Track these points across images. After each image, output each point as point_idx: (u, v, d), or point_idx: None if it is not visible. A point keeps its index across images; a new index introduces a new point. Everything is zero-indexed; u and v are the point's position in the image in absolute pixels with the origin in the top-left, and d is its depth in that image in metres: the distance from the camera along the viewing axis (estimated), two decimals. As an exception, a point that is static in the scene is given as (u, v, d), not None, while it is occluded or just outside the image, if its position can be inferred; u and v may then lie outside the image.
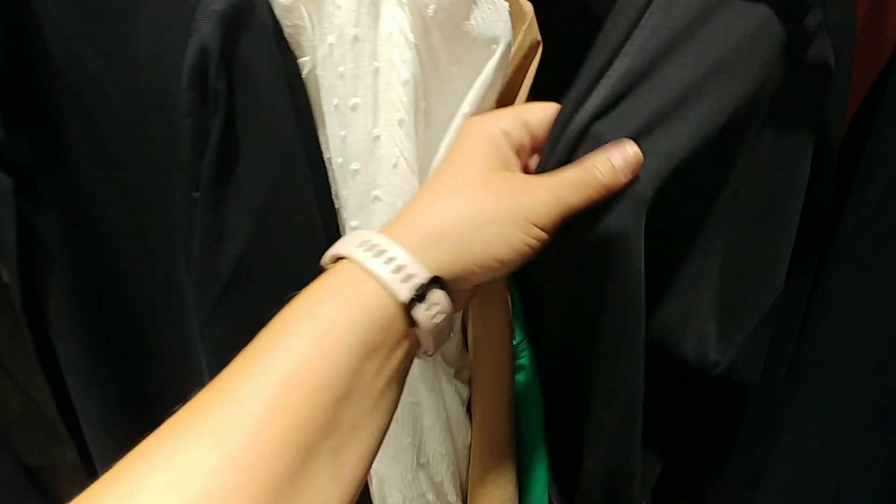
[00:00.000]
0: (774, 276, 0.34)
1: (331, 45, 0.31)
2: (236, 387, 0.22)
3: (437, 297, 0.26)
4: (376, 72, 0.30)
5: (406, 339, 0.26)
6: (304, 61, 0.33)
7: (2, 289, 0.41)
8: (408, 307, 0.25)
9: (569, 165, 0.29)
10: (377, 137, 0.31)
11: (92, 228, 0.38)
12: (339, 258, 0.26)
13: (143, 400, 0.42)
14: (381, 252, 0.25)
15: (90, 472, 0.49)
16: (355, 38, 0.30)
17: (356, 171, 0.32)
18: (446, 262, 0.27)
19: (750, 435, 0.41)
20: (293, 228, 0.34)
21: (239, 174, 0.32)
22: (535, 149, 0.32)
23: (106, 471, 0.20)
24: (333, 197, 0.36)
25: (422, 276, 0.26)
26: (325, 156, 0.35)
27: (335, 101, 0.33)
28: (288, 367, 0.23)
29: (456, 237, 0.27)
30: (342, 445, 0.23)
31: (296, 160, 0.33)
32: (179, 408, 0.22)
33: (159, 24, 0.30)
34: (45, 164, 0.35)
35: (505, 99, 0.34)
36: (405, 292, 0.25)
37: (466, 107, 0.31)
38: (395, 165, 0.31)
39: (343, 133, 0.32)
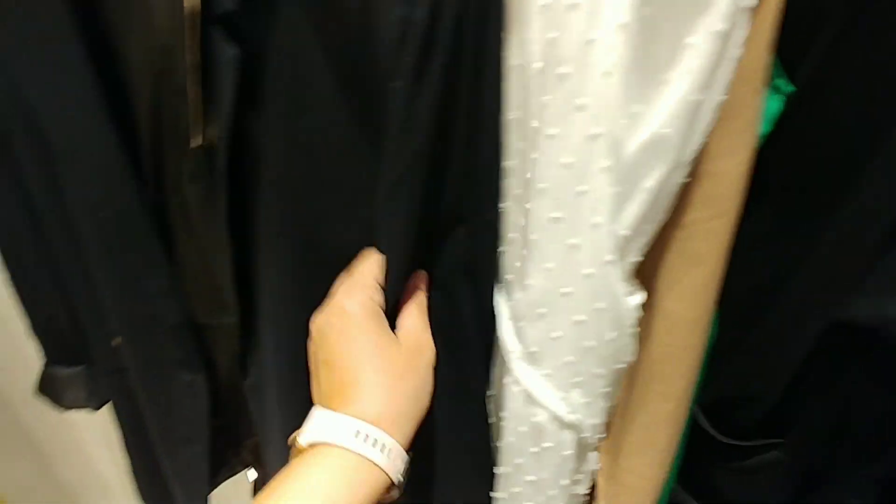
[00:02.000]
0: None
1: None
2: None
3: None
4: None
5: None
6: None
7: (201, 155, 0.45)
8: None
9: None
10: (591, 41, 0.30)
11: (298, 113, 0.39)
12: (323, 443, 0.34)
13: (316, 273, 0.45)
14: (376, 442, 0.34)
15: (246, 335, 0.55)
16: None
17: (563, 76, 0.31)
18: (410, 432, 0.37)
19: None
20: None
21: (431, 72, 0.32)
22: None
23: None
24: (515, 108, 0.36)
25: (403, 456, 0.36)
26: (513, 62, 0.35)
27: (544, 2, 0.32)
28: None
29: (409, 411, 0.37)
30: None
31: (499, 67, 0.33)
32: None
33: None
34: (265, 43, 0.36)
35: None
36: (397, 474, 0.35)
37: (719, 23, 0.29)
38: (609, 74, 0.30)
39: (553, 35, 0.31)
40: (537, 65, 0.33)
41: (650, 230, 0.35)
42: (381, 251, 0.39)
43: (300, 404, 0.48)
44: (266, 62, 0.37)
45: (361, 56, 0.34)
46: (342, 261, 0.43)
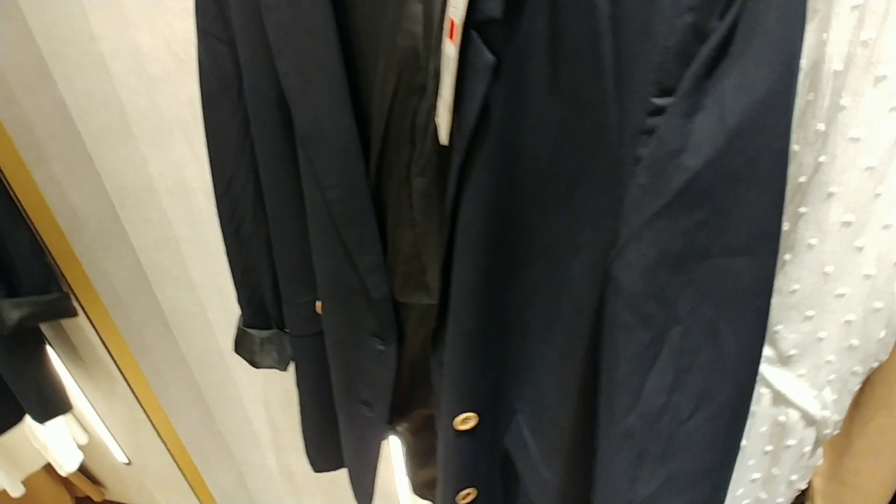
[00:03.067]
0: None
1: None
2: None
3: None
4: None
5: None
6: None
7: (432, 152, 0.48)
8: None
9: None
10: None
11: (526, 116, 0.40)
12: None
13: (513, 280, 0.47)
14: None
15: (441, 316, 0.58)
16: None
17: (882, 78, 0.31)
18: None
19: None
20: (764, 157, 0.31)
21: (724, 82, 0.30)
22: None
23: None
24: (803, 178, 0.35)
25: None
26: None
27: (856, 2, 0.31)
28: None
29: None
30: None
31: (790, 72, 0.30)
32: None
33: None
34: (522, 50, 0.37)
35: None
36: None
37: None
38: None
39: (868, 37, 0.31)
40: (838, 67, 0.32)
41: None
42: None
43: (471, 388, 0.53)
44: (520, 69, 0.38)
45: (630, 70, 0.33)
46: (540, 264, 0.44)
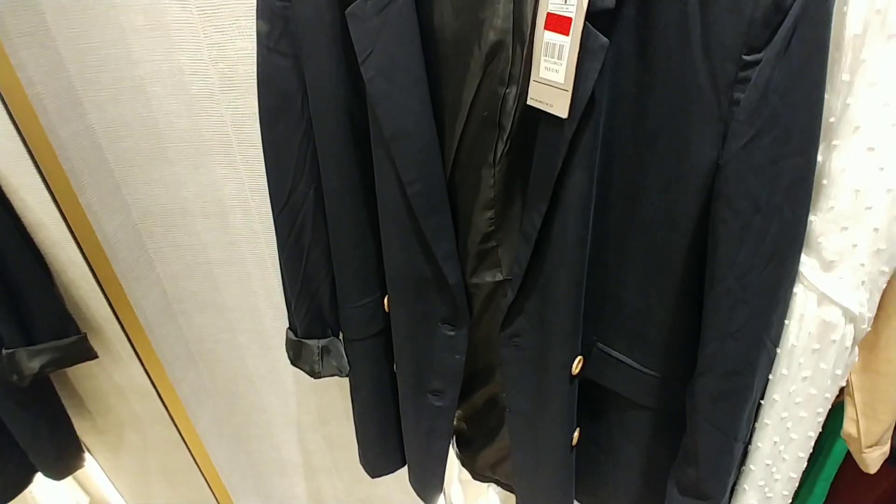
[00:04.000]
0: None
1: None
2: None
3: None
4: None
5: None
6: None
7: (506, 136, 0.56)
8: None
9: None
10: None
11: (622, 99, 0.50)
12: None
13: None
14: None
15: (523, 289, 0.65)
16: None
17: (893, 37, 0.42)
18: None
19: None
20: (811, 89, 0.44)
21: (793, 42, 0.42)
22: None
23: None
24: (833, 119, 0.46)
25: None
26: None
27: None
28: None
29: None
30: None
31: (830, 34, 0.43)
32: None
33: None
34: (616, 36, 0.47)
35: None
36: None
37: None
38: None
39: (881, 6, 0.42)
40: (857, 31, 0.44)
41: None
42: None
43: (576, 336, 0.60)
44: (617, 48, 0.48)
45: (720, 37, 0.44)
46: (634, 202, 0.55)
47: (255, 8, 0.60)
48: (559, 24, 0.47)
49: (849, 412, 0.63)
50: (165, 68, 0.72)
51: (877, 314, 0.54)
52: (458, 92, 0.57)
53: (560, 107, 0.49)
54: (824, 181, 0.49)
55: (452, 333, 0.69)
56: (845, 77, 0.45)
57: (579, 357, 0.62)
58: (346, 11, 0.54)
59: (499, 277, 0.66)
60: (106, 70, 0.71)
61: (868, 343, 0.56)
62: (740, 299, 0.51)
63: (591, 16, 0.45)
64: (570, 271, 0.57)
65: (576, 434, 0.67)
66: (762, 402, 0.58)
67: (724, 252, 0.49)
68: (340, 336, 0.79)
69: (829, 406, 0.58)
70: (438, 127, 0.58)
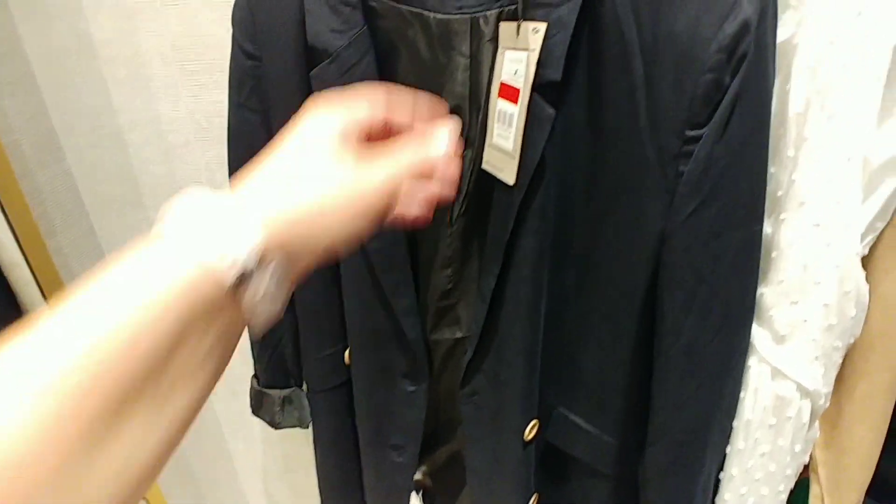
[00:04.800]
0: None
1: (821, 17, 0.42)
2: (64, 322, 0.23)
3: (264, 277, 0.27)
4: (867, 39, 0.41)
5: (230, 311, 0.27)
6: (783, 31, 0.44)
7: (462, 197, 0.56)
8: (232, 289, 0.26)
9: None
10: (854, 92, 0.42)
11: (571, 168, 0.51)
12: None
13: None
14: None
15: (480, 346, 0.64)
16: (859, 13, 0.40)
17: (831, 117, 0.43)
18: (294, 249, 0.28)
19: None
20: (755, 164, 0.45)
21: (733, 119, 0.42)
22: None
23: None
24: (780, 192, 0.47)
25: (260, 256, 0.26)
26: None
27: (810, 63, 0.43)
28: (113, 319, 0.23)
29: (307, 222, 0.28)
30: (163, 398, 0.24)
31: (770, 112, 0.44)
32: None
33: (700, 6, 0.42)
34: (563, 107, 0.47)
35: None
36: (234, 268, 0.26)
37: None
38: (865, 115, 0.42)
39: (820, 88, 0.43)
40: (798, 110, 0.44)
41: (881, 227, 0.46)
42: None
43: (532, 399, 0.60)
44: (567, 117, 0.48)
45: (665, 113, 0.44)
46: (585, 269, 0.54)
47: (229, 65, 0.62)
48: (510, 93, 0.48)
49: (814, 489, 0.60)
50: (144, 117, 0.74)
51: (839, 388, 0.53)
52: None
53: (509, 173, 0.49)
54: (774, 254, 0.48)
55: (413, 389, 0.68)
56: (790, 153, 0.46)
57: (535, 421, 0.61)
58: (311, 74, 0.55)
59: (458, 334, 0.65)
60: (86, 117, 0.73)
61: (831, 418, 0.54)
62: (687, 371, 0.50)
63: (539, 87, 0.46)
64: (523, 333, 0.57)
65: (533, 499, 0.65)
66: (721, 476, 0.56)
67: (671, 323, 0.49)
68: (305, 387, 0.78)
69: (793, 483, 0.57)
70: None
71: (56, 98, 0.72)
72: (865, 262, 0.48)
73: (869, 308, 0.49)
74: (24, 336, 0.22)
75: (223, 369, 0.28)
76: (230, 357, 0.28)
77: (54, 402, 0.21)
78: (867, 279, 0.48)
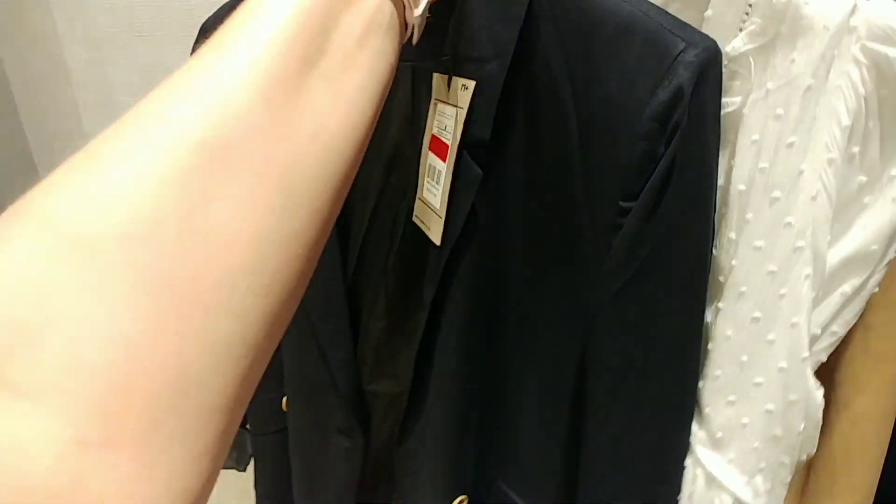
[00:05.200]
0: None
1: (768, 90, 0.38)
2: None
3: None
4: (815, 116, 0.36)
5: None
6: (729, 101, 0.40)
7: (397, 248, 0.53)
8: None
9: None
10: (801, 172, 0.37)
11: (508, 226, 0.47)
12: None
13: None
14: None
15: (411, 405, 0.60)
16: (808, 88, 0.36)
17: (776, 199, 0.38)
18: None
19: None
20: (690, 246, 0.40)
21: (667, 192, 0.38)
22: None
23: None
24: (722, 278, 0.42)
25: None
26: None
27: (755, 137, 0.39)
28: None
29: None
30: (336, 72, 0.26)
31: (712, 188, 0.40)
32: None
33: (635, 68, 0.38)
34: (497, 167, 0.45)
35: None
36: None
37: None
38: (814, 198, 0.37)
39: (764, 165, 0.38)
40: (741, 187, 0.40)
41: (842, 331, 0.40)
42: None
43: (459, 470, 0.55)
44: (500, 179, 0.45)
45: (599, 179, 0.41)
46: (517, 341, 0.50)
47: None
48: (440, 148, 0.45)
49: None
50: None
51: (826, 461, 0.46)
52: (363, 200, 0.55)
53: (435, 232, 0.46)
54: (710, 345, 0.43)
55: (349, 444, 0.64)
56: (732, 235, 0.41)
57: (461, 497, 0.55)
58: None
59: (395, 389, 0.61)
60: (59, 139, 0.75)
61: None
62: (614, 463, 0.45)
63: (468, 146, 0.44)
64: (449, 401, 0.53)
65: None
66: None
67: (598, 408, 0.44)
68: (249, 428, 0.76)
69: None
70: (346, 232, 0.57)
71: (32, 120, 0.74)
72: (830, 372, 0.43)
73: (834, 422, 0.43)
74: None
75: (382, 73, 0.29)
76: (386, 68, 0.29)
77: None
78: (836, 392, 0.42)
